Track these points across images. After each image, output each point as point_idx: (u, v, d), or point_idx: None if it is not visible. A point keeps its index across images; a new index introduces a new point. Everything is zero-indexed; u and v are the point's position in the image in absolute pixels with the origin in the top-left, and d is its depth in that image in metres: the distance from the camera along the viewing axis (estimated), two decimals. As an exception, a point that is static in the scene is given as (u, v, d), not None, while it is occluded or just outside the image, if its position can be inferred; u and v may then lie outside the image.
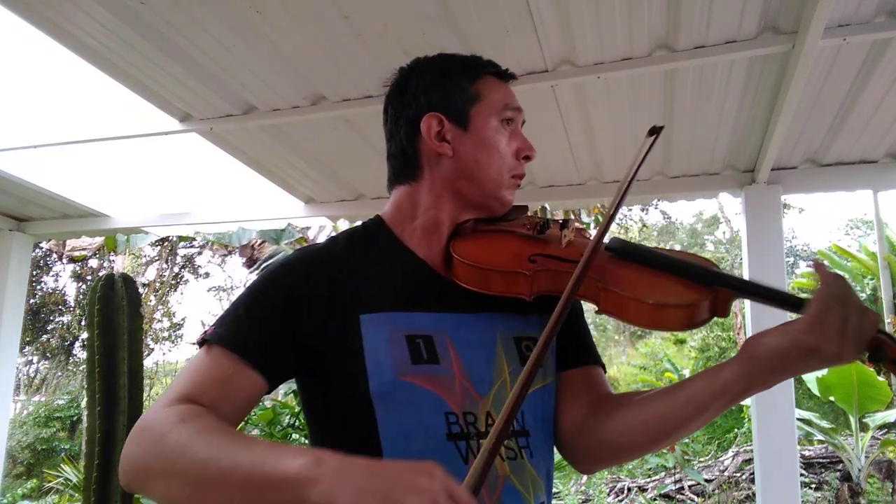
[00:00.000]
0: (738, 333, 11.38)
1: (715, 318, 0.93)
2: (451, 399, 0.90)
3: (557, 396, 1.03)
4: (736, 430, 8.33)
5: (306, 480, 0.66)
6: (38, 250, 12.10)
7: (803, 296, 0.86)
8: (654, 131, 0.99)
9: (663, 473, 7.66)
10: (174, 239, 11.86)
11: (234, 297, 0.97)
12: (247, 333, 0.89)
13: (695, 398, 0.89)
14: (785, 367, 0.83)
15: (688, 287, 0.91)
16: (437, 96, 1.02)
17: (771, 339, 0.83)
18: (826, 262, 9.61)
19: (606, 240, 0.97)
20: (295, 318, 0.91)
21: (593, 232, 0.96)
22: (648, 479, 7.79)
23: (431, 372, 0.90)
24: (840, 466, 6.82)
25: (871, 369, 6.09)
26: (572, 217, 5.70)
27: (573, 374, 1.05)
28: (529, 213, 1.11)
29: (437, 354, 0.92)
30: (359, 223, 1.11)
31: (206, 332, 0.91)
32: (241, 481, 0.71)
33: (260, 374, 0.88)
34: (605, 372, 1.10)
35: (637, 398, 0.98)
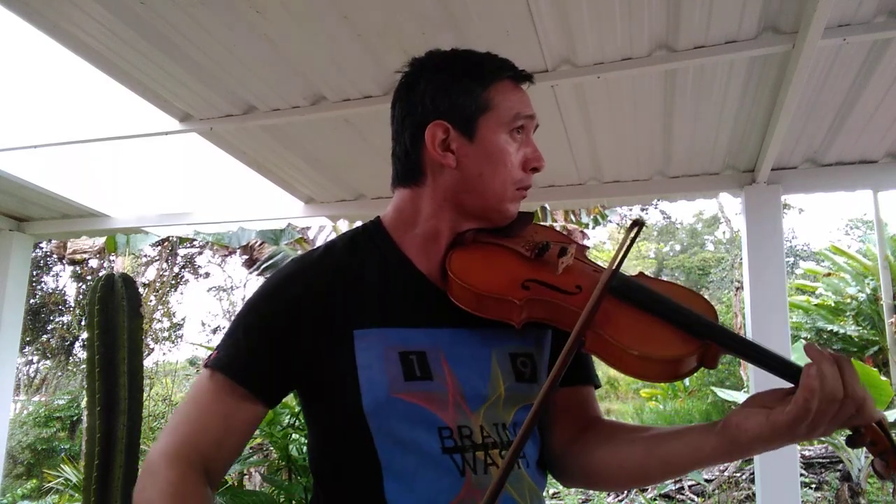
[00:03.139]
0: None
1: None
2: (444, 414, 0.90)
3: (547, 413, 1.04)
4: (736, 430, 8.31)
5: None
6: (38, 250, 12.09)
7: (798, 363, 0.82)
8: (636, 224, 0.91)
9: (663, 473, 7.65)
10: (174, 239, 11.85)
11: (241, 305, 0.99)
12: (246, 361, 0.92)
13: (674, 462, 0.89)
14: (764, 447, 0.83)
15: (679, 338, 0.87)
16: (445, 102, 0.97)
17: (752, 425, 0.81)
18: (827, 263, 9.60)
19: (591, 243, 0.96)
20: (294, 336, 0.92)
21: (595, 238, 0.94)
22: (648, 479, 7.78)
23: (424, 388, 0.90)
24: (840, 466, 6.81)
25: (874, 369, 6.09)
26: (561, 221, 5.69)
27: (565, 393, 1.05)
28: (534, 221, 1.08)
29: (430, 370, 0.91)
30: (358, 223, 1.11)
31: (210, 356, 0.93)
32: None
33: (260, 402, 0.91)
34: (598, 387, 1.10)
35: (623, 438, 0.97)
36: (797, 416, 0.77)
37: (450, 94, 0.98)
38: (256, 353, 0.92)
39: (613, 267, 0.84)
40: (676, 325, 0.88)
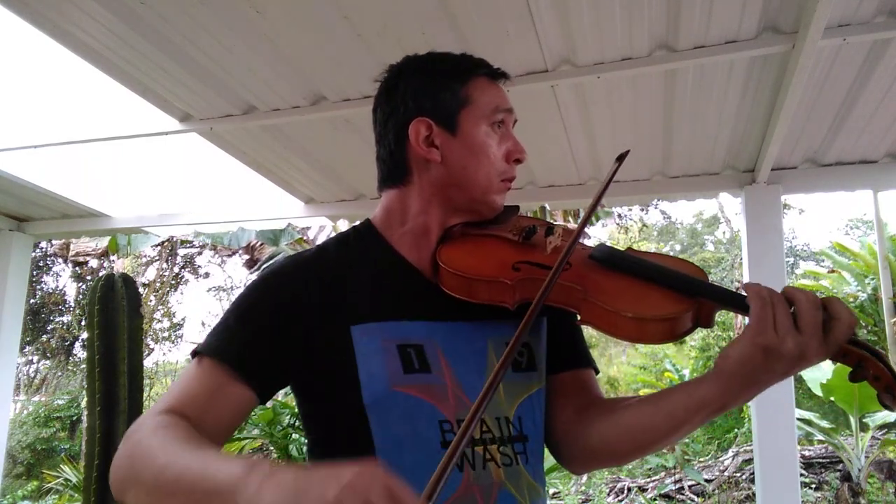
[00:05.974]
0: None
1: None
2: (445, 407, 0.90)
3: (548, 399, 1.03)
4: (736, 430, 8.33)
5: (235, 486, 0.66)
6: (38, 250, 12.10)
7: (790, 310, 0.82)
8: (621, 158, 0.97)
9: (663, 473, 7.65)
10: (174, 239, 11.85)
11: (230, 302, 0.97)
12: (237, 344, 0.90)
13: (675, 412, 0.89)
14: (755, 375, 0.81)
15: (670, 298, 0.88)
16: (426, 100, 1.00)
17: (734, 349, 0.82)
18: (827, 262, 9.60)
19: (592, 243, 0.97)
20: (287, 328, 0.91)
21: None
22: (648, 479, 7.78)
23: (424, 381, 0.90)
24: (840, 466, 6.82)
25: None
26: (561, 221, 5.70)
27: (564, 378, 1.05)
28: (523, 214, 1.10)
29: (428, 363, 0.91)
30: (349, 226, 1.11)
31: (198, 345, 0.91)
32: (186, 489, 0.72)
33: (248, 387, 0.88)
34: (598, 373, 1.10)
35: (623, 405, 0.97)
36: (758, 325, 0.79)
37: (430, 93, 1.01)
38: (247, 340, 0.90)
39: (600, 192, 0.93)
40: (667, 286, 0.89)
